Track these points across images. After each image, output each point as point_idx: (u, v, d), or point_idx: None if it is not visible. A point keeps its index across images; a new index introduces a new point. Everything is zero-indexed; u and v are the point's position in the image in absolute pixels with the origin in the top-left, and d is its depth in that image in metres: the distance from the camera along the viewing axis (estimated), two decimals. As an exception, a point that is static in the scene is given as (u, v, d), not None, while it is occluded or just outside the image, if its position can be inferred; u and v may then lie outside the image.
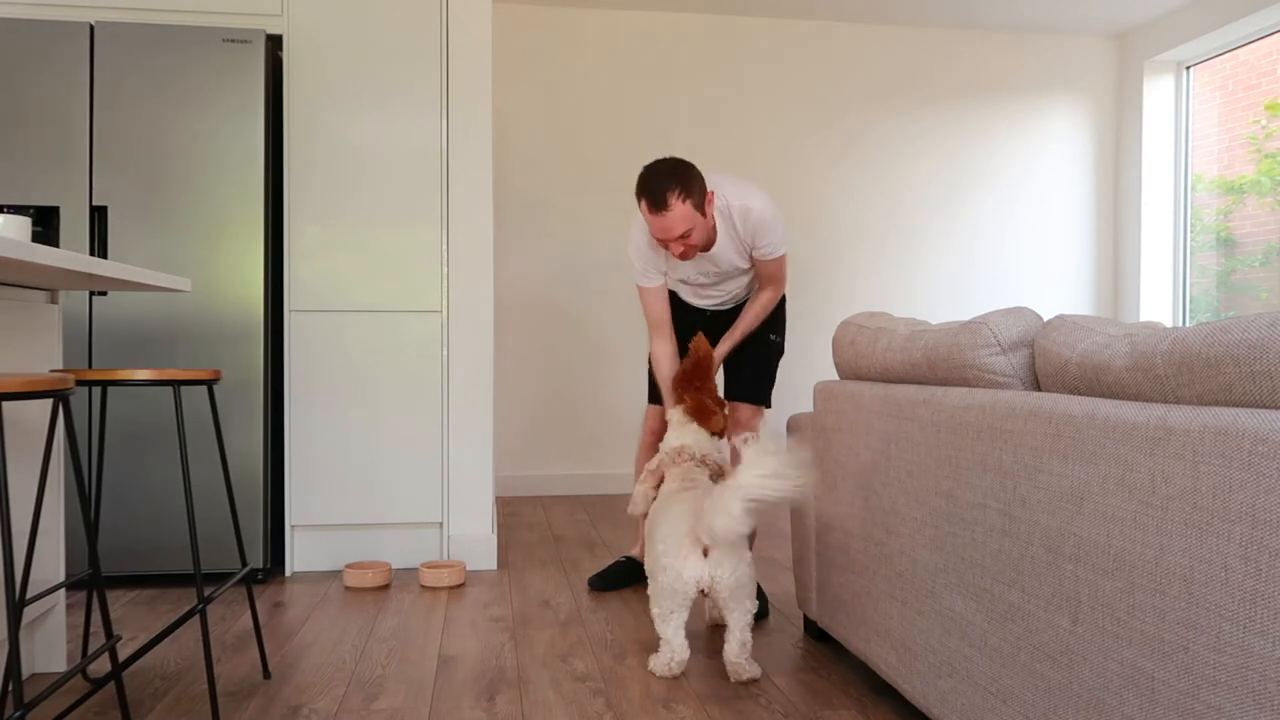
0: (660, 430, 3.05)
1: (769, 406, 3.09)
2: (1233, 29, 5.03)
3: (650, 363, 3.05)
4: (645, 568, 2.51)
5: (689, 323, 3.10)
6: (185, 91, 3.28)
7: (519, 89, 5.28)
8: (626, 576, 3.20)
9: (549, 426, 5.31)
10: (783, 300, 3.08)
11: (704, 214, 2.68)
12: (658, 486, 2.66)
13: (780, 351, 3.10)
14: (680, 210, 2.61)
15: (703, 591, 2.28)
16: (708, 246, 2.82)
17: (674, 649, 2.32)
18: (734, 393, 3.09)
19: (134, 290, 2.70)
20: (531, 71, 5.29)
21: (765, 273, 2.94)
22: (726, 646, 2.30)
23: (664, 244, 2.72)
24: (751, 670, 2.30)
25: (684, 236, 2.66)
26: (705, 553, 2.25)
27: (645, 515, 2.71)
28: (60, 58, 3.21)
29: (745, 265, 2.91)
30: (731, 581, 2.25)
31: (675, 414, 2.78)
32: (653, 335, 2.98)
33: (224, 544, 3.29)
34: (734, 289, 3.03)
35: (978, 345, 1.80)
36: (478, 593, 3.18)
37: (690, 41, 5.42)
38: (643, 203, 2.66)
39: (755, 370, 3.05)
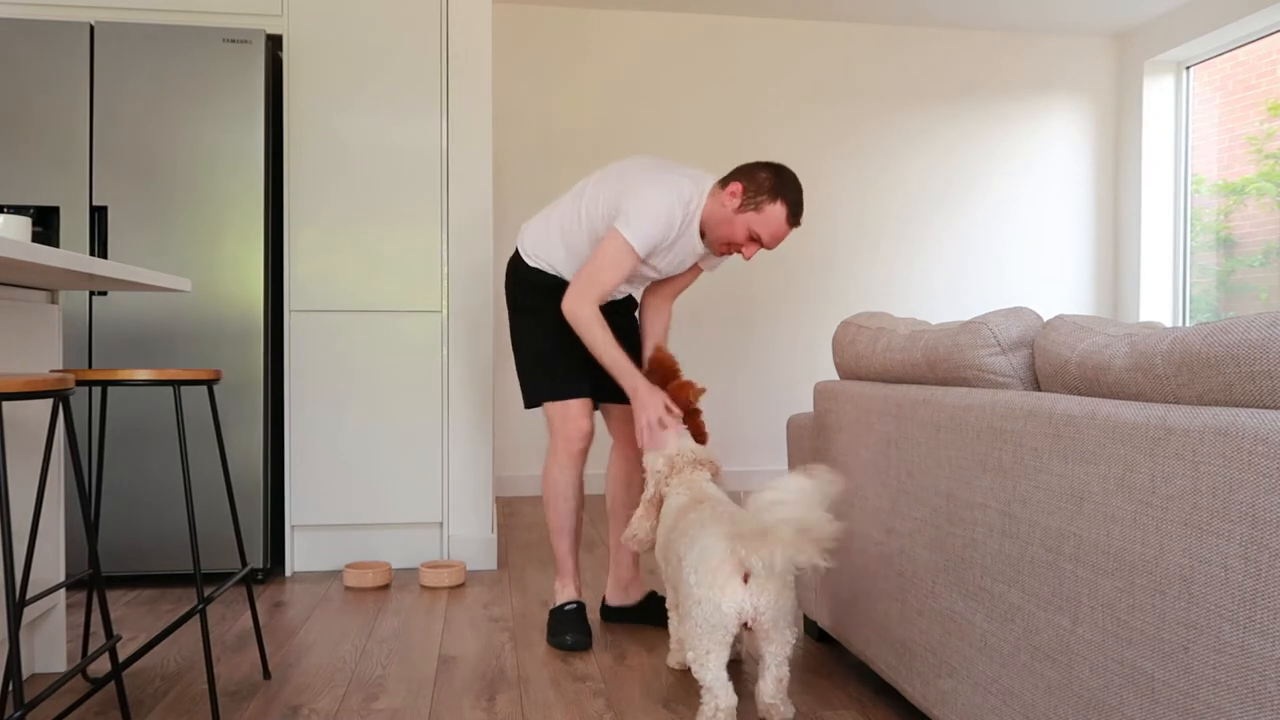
0: (592, 432, 2.65)
1: None
2: (1233, 29, 5.03)
3: (545, 345, 2.63)
4: (668, 603, 2.36)
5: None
6: (185, 91, 3.28)
7: (519, 89, 5.28)
8: (581, 622, 2.65)
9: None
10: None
11: None
12: (658, 514, 2.35)
13: None
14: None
15: (746, 625, 1.98)
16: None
17: (718, 696, 1.97)
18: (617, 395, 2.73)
19: (134, 290, 2.70)
20: (531, 71, 5.29)
21: (687, 282, 2.81)
22: (761, 683, 2.02)
23: (744, 243, 2.52)
24: (786, 711, 2.02)
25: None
26: (745, 579, 1.95)
27: (639, 548, 2.43)
28: (60, 58, 3.21)
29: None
30: (775, 612, 1.96)
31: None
32: (592, 305, 2.51)
33: (224, 544, 3.29)
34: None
35: (978, 345, 1.80)
36: (478, 593, 3.18)
37: (690, 41, 5.42)
38: (781, 206, 2.47)
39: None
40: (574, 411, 2.65)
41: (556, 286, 2.67)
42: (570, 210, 2.66)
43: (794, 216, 2.51)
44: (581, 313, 2.52)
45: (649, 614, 2.80)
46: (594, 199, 2.61)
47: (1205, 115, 5.48)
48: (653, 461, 2.40)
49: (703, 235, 2.59)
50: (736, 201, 2.49)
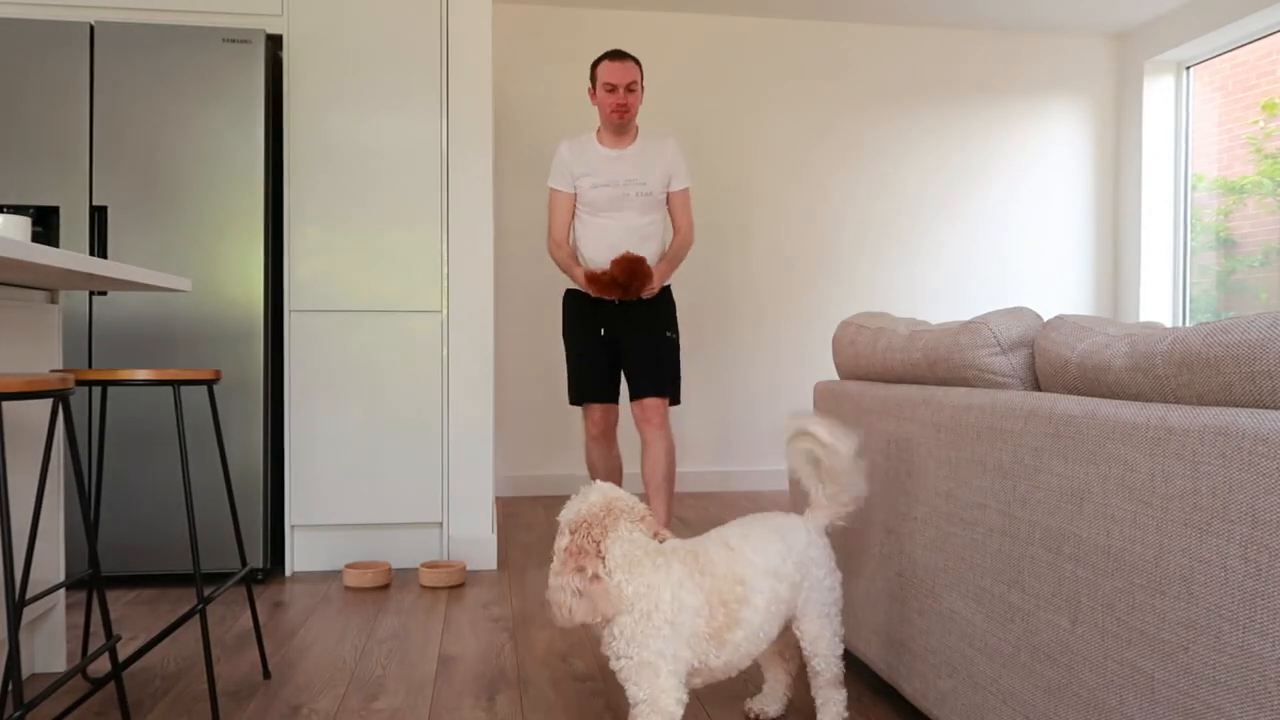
0: (605, 419, 3.46)
1: (676, 401, 3.42)
2: (1233, 29, 5.03)
3: (572, 364, 3.45)
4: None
5: (594, 323, 3.42)
6: (185, 91, 3.28)
7: (519, 89, 5.28)
8: None
9: (549, 426, 5.31)
10: (670, 294, 3.48)
11: (641, 89, 3.35)
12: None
13: (678, 347, 3.43)
14: (633, 67, 3.32)
15: None
16: (630, 133, 3.41)
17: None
18: (639, 389, 3.40)
19: (134, 290, 2.70)
20: (531, 71, 5.29)
21: (677, 207, 3.46)
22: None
23: (612, 93, 3.30)
24: None
25: (629, 88, 3.30)
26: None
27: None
28: (60, 58, 3.21)
29: (660, 195, 3.40)
30: None
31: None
32: (557, 250, 3.42)
33: (224, 544, 3.29)
34: (638, 224, 3.37)
35: (978, 345, 1.80)
36: (478, 593, 3.18)
37: (690, 42, 5.42)
38: (604, 60, 3.32)
39: (658, 362, 3.37)
40: (590, 411, 3.45)
41: (579, 299, 3.45)
42: None
43: (611, 55, 3.32)
44: (554, 257, 3.44)
45: None
46: None
47: (1205, 115, 5.48)
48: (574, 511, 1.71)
49: (599, 141, 3.41)
50: (591, 89, 3.40)
